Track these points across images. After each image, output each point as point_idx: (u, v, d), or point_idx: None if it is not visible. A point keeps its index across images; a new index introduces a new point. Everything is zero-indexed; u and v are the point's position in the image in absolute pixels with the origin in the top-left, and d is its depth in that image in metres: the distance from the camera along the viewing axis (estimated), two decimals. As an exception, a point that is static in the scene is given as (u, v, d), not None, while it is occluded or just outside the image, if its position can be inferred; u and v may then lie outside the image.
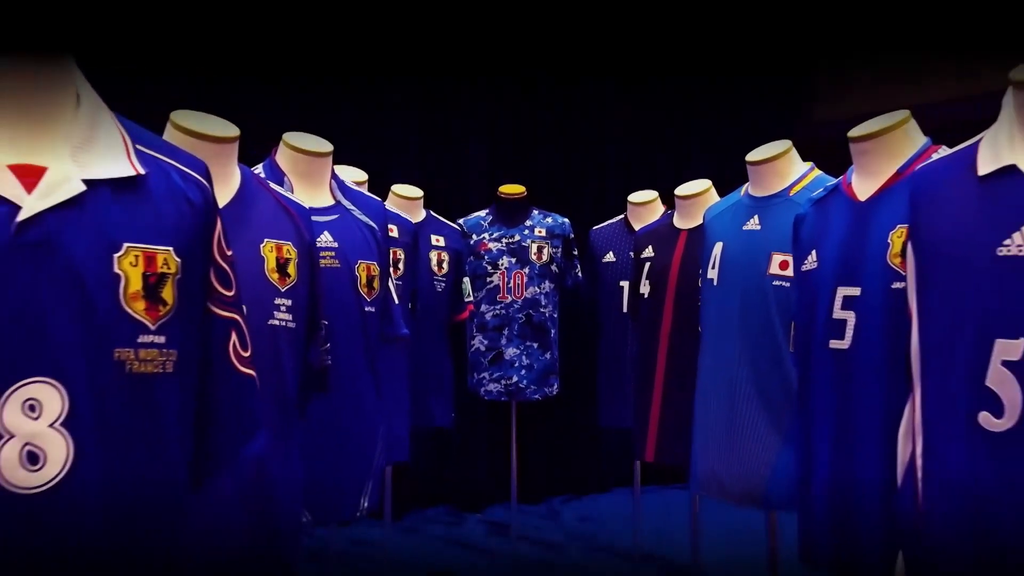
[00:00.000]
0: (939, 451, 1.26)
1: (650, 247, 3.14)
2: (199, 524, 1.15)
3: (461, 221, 3.94)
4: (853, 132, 1.82)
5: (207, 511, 1.26)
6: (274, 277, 1.60)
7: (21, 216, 0.93)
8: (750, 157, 2.33)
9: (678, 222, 3.06)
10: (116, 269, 0.99)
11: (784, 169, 2.29)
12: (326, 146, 2.21)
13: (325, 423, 1.99)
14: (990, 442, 1.18)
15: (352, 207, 2.21)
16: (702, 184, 2.98)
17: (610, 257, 3.86)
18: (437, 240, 3.59)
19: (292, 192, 1.97)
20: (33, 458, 0.91)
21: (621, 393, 3.56)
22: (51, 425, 0.93)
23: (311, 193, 2.13)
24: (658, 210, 3.70)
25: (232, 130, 1.63)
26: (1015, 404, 1.15)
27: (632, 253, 3.33)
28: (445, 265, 3.60)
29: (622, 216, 3.93)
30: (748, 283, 2.27)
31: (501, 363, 3.81)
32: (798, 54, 6.35)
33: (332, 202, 2.18)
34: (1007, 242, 1.19)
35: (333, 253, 2.06)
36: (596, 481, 5.63)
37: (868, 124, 1.82)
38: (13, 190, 0.94)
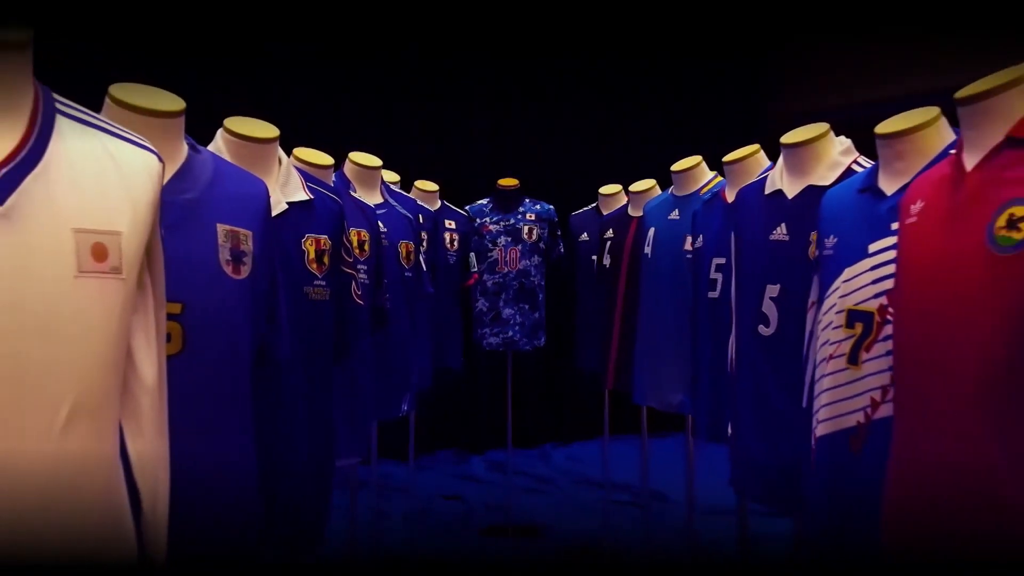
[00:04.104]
0: (741, 349, 2.15)
1: (611, 229, 3.70)
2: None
3: (467, 208, 4.48)
4: (726, 157, 2.64)
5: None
6: (356, 252, 2.51)
7: None
8: (673, 168, 3.10)
9: (631, 211, 3.59)
10: (303, 247, 1.90)
11: (696, 176, 3.06)
12: (378, 161, 3.01)
13: (379, 349, 2.80)
14: (763, 342, 2.07)
15: (396, 203, 3.06)
16: (648, 183, 3.59)
17: (585, 237, 4.43)
18: (450, 224, 4.19)
19: (356, 192, 2.87)
20: None
21: (592, 342, 4.05)
22: None
23: (368, 193, 2.95)
24: (623, 200, 4.04)
25: (329, 159, 2.50)
26: (775, 320, 2.05)
27: (599, 234, 3.84)
28: (456, 243, 4.19)
29: (595, 204, 4.49)
30: (671, 257, 3.01)
31: (499, 321, 4.42)
32: (764, 51, 6.64)
33: (382, 200, 3.00)
34: (773, 232, 2.06)
35: (384, 236, 2.85)
36: (580, 430, 6.10)
37: (735, 153, 2.62)
38: None
